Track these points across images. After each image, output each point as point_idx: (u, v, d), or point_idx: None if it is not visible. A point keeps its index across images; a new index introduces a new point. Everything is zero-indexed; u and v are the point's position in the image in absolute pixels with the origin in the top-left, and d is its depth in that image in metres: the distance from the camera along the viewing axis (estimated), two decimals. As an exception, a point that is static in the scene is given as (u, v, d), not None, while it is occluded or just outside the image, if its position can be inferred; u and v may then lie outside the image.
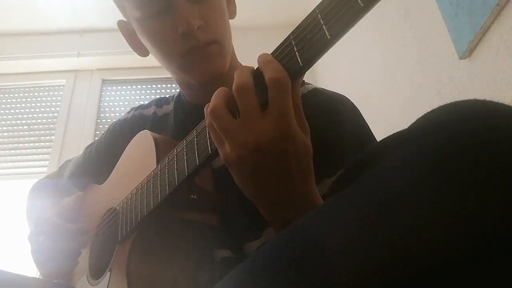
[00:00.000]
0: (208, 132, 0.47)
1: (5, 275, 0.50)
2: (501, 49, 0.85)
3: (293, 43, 0.40)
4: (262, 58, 0.42)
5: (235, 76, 0.42)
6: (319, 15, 0.37)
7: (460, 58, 0.99)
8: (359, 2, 0.34)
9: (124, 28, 0.71)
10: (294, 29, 0.40)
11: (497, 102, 0.30)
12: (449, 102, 0.33)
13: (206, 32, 0.60)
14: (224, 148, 0.42)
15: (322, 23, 0.37)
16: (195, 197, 0.57)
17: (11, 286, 0.44)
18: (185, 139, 0.53)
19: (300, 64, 0.39)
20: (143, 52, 0.71)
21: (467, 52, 0.95)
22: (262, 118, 0.40)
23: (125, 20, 0.70)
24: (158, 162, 0.58)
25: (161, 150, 0.61)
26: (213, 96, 0.43)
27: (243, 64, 0.74)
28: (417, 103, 1.24)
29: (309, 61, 0.38)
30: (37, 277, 0.72)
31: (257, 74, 0.42)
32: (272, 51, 0.43)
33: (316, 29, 0.38)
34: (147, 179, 0.58)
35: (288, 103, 0.40)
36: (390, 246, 0.25)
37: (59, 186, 0.89)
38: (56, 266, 0.63)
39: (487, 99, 0.31)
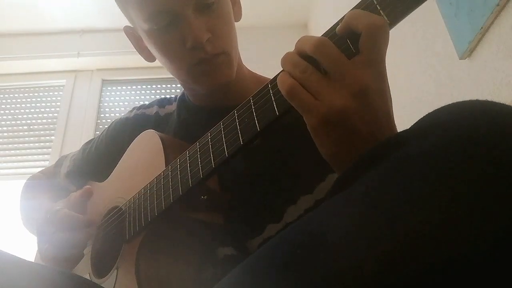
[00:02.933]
0: (227, 132, 0.48)
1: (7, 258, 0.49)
2: (501, 49, 0.85)
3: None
4: (350, 13, 0.40)
5: (302, 42, 0.41)
6: None
7: (460, 58, 0.99)
8: None
9: (131, 34, 0.71)
10: None
11: (498, 103, 0.30)
12: (449, 102, 0.33)
13: (214, 44, 0.60)
14: (318, 107, 0.39)
15: None
16: (205, 197, 0.58)
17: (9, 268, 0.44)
18: (198, 142, 0.54)
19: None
20: (150, 58, 0.71)
21: (467, 52, 0.95)
22: (355, 64, 0.39)
23: (131, 26, 0.69)
24: (167, 162, 0.59)
25: (169, 150, 0.61)
26: (289, 62, 0.41)
27: (244, 64, 0.74)
28: (417, 103, 1.24)
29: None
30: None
31: (331, 33, 0.41)
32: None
33: None
34: (156, 180, 0.58)
35: (383, 54, 0.39)
36: (390, 241, 0.25)
37: (54, 185, 0.88)
38: (64, 256, 0.63)
39: (487, 99, 0.31)
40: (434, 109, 0.33)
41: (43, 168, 0.96)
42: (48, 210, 0.66)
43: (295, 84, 0.40)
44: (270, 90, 0.45)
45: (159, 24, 0.59)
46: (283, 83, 0.41)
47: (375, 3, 0.38)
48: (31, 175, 0.96)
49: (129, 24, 0.70)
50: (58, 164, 0.91)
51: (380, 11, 0.37)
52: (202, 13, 0.59)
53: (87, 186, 0.69)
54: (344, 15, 0.40)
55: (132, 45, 0.73)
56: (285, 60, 0.42)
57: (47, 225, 0.65)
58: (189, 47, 0.59)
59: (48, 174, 0.92)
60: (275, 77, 0.45)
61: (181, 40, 0.59)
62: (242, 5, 0.72)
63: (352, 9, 0.40)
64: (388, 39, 0.39)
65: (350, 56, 0.39)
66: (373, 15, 0.38)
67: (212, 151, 0.50)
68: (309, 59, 0.40)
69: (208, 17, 0.60)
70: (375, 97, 0.38)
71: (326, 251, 0.28)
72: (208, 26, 0.59)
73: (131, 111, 0.84)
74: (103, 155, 0.82)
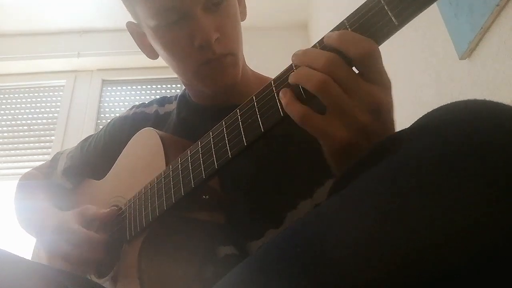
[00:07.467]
0: (230, 132, 0.47)
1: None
2: (501, 49, 0.85)
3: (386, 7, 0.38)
4: (340, 37, 0.39)
5: (310, 58, 0.40)
6: None
7: (460, 58, 0.99)
8: None
9: (134, 30, 0.70)
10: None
11: (497, 102, 0.30)
12: (449, 102, 0.33)
13: (222, 45, 0.60)
14: (335, 131, 0.39)
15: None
16: (207, 197, 0.58)
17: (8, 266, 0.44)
18: (200, 141, 0.53)
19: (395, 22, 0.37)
20: (153, 55, 0.70)
21: (467, 52, 0.95)
22: (368, 85, 0.39)
23: (135, 22, 0.68)
24: (167, 161, 0.59)
25: (169, 149, 0.61)
26: (305, 75, 0.40)
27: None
28: (417, 103, 1.24)
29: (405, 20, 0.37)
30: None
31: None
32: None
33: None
34: (157, 180, 0.58)
35: (382, 69, 0.40)
36: (393, 246, 0.25)
37: (49, 183, 0.87)
38: (80, 272, 0.62)
39: (487, 99, 0.31)
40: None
41: (38, 165, 0.94)
42: (61, 223, 0.64)
43: (305, 112, 0.39)
44: (274, 89, 0.44)
45: (167, 20, 0.58)
46: (293, 112, 0.40)
47: (383, 3, 0.37)
48: (25, 172, 0.94)
49: (132, 20, 0.69)
50: (54, 160, 0.90)
51: (388, 11, 0.37)
52: (211, 12, 0.59)
53: (108, 211, 0.65)
54: (333, 34, 0.40)
55: (135, 42, 0.72)
56: (300, 74, 0.40)
57: (64, 243, 0.62)
58: (197, 46, 0.58)
59: (44, 171, 0.90)
60: (278, 76, 0.44)
61: (189, 38, 0.59)
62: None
63: (358, 9, 0.39)
64: (379, 55, 0.39)
65: None
66: (361, 41, 0.38)
67: (214, 152, 0.50)
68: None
69: (216, 17, 0.59)
70: (387, 111, 0.40)
71: (326, 253, 0.28)
72: (216, 26, 0.59)
73: (130, 109, 0.84)
74: (101, 153, 0.81)
